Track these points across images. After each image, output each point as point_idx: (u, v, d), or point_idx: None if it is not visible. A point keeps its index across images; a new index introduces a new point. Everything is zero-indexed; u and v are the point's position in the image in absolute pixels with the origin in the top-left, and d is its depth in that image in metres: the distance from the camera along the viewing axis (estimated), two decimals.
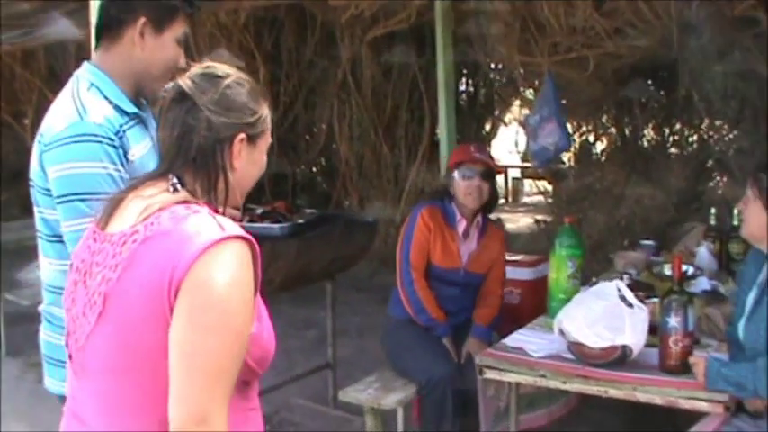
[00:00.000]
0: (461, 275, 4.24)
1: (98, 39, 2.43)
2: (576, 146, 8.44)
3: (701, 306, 3.64)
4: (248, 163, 1.84)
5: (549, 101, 6.27)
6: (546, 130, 6.22)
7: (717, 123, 7.55)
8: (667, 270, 4.30)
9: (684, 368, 3.03)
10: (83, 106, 2.28)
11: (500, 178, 13.95)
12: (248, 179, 1.88)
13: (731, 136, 7.41)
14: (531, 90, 8.45)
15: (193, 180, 1.79)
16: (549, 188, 9.34)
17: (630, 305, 3.16)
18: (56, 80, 11.10)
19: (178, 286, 1.62)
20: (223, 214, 1.79)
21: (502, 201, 13.75)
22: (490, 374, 3.35)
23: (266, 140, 1.89)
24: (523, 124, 6.88)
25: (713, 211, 4.73)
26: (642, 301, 3.31)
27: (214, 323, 1.61)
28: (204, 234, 1.65)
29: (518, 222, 10.71)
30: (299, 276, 4.58)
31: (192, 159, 1.78)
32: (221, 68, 1.84)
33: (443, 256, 4.18)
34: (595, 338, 3.12)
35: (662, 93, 7.75)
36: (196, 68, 1.83)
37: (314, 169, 10.42)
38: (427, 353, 4.02)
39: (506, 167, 12.93)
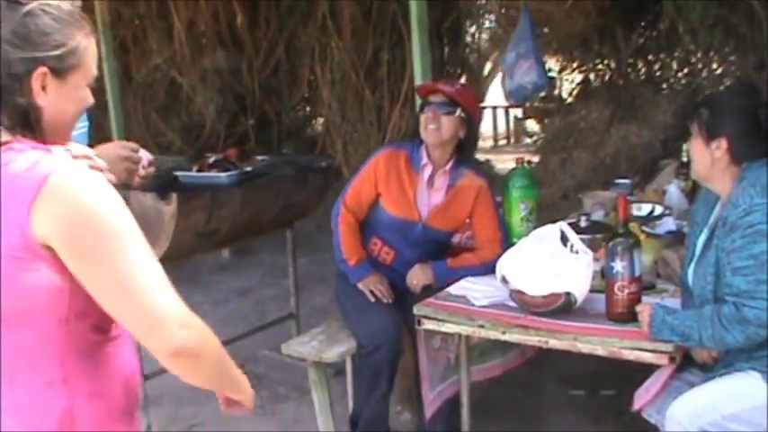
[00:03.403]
0: (419, 230, 3.75)
1: None
2: (559, 83, 8.15)
3: (660, 248, 3.43)
4: (59, 99, 1.62)
5: (526, 37, 5.97)
6: (523, 67, 5.93)
7: (709, 55, 7.24)
8: (635, 210, 4.08)
9: (631, 316, 2.82)
10: None
11: (501, 118, 13.74)
12: (65, 116, 1.67)
13: (721, 69, 7.11)
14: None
15: (8, 120, 1.59)
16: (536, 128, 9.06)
17: (574, 250, 2.94)
18: None
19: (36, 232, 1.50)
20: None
21: (503, 141, 13.57)
22: (428, 325, 3.16)
23: (83, 74, 1.66)
24: (501, 63, 6.57)
25: (686, 146, 4.46)
26: (600, 244, 3.10)
27: (108, 247, 1.53)
28: (39, 169, 1.52)
29: (507, 163, 10.40)
30: (249, 226, 4.40)
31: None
32: None
33: (397, 205, 3.73)
34: (536, 285, 2.91)
35: (643, 25, 7.43)
36: None
37: (299, 114, 10.18)
38: (368, 311, 3.66)
39: (507, 107, 12.68)
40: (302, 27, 9.17)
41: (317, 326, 4.01)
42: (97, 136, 10.06)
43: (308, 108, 10.23)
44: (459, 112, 3.65)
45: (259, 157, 4.64)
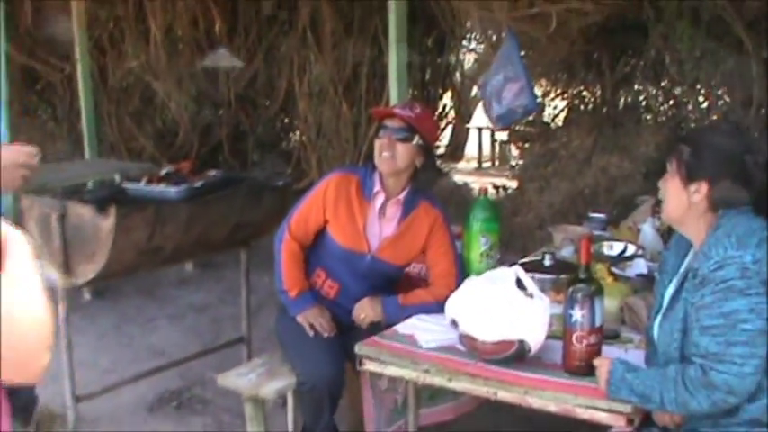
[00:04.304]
0: (367, 262, 3.47)
1: None
2: (541, 108, 7.93)
3: (627, 293, 3.18)
4: None
5: (514, 60, 5.74)
6: (512, 90, 5.70)
7: (695, 88, 7.04)
8: (606, 249, 3.85)
9: (589, 370, 2.56)
10: None
11: (486, 141, 13.52)
12: None
13: (707, 103, 6.91)
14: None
15: None
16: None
17: (529, 294, 2.69)
18: (14, 30, 10.61)
19: None
20: None
21: (487, 164, 13.33)
22: (370, 366, 2.90)
23: None
24: (480, 85, 6.32)
25: (660, 184, 4.22)
26: (564, 286, 2.85)
27: None
28: None
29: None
30: (197, 244, 4.14)
31: None
32: None
33: (345, 234, 3.46)
34: (487, 331, 2.65)
35: (629, 53, 7.22)
36: None
37: (275, 126, 9.95)
38: (307, 346, 3.40)
39: (493, 130, 12.44)
40: (282, 37, 8.96)
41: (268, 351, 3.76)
42: (71, 137, 9.86)
43: (285, 120, 9.98)
44: (416, 139, 3.38)
45: (212, 172, 4.37)
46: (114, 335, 6.01)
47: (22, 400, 2.97)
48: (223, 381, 3.50)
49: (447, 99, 10.22)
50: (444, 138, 11.59)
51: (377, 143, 3.41)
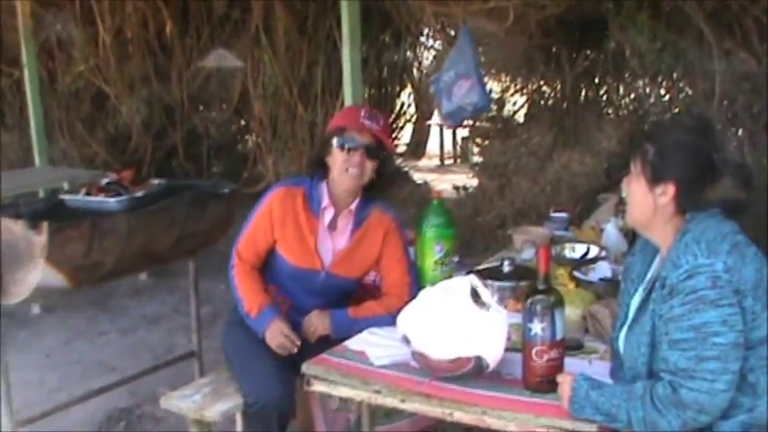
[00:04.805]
0: (321, 279, 3.26)
1: None
2: (499, 105, 7.78)
3: (591, 300, 3.01)
4: None
5: (466, 56, 5.59)
6: (463, 87, 5.55)
7: (657, 80, 6.92)
8: (568, 252, 3.68)
9: (551, 386, 2.38)
10: None
11: (448, 137, 13.37)
12: None
13: (668, 96, 6.80)
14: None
15: None
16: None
17: (486, 306, 2.51)
18: None
19: None
20: None
21: (450, 161, 13.20)
22: (319, 386, 2.71)
23: None
24: (433, 81, 6.15)
25: (623, 185, 4.04)
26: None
27: None
28: None
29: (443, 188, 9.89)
30: (140, 257, 3.92)
31: None
32: None
33: (296, 254, 3.24)
34: (440, 348, 2.47)
35: (589, 46, 7.09)
36: None
37: (230, 128, 9.74)
38: (255, 364, 3.16)
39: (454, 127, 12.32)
40: (235, 38, 8.75)
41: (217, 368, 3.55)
42: (22, 145, 9.58)
43: (242, 122, 9.78)
44: (381, 155, 3.21)
45: (155, 181, 4.15)
46: (63, 351, 5.78)
47: None
48: (166, 403, 3.29)
49: (405, 96, 10.06)
50: (405, 135, 11.42)
51: (341, 157, 3.16)
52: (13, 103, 9.95)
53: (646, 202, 2.34)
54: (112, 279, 4.17)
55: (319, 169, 3.25)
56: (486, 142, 7.93)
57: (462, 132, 12.76)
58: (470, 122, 8.47)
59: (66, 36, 9.34)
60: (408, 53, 8.71)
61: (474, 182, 7.73)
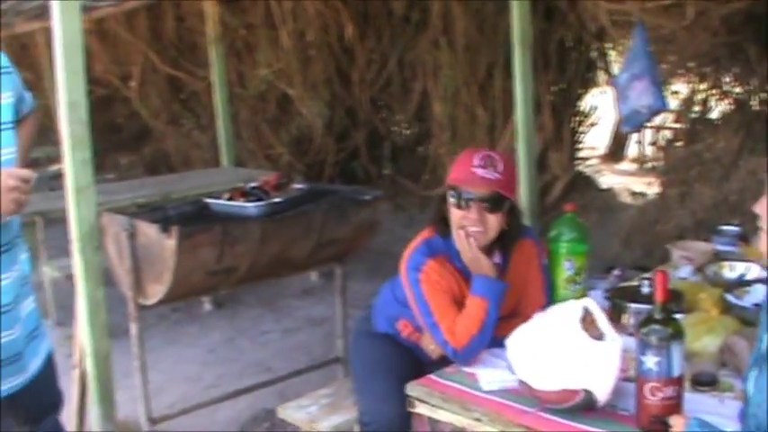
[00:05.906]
0: None
1: None
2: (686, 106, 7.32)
3: (736, 328, 2.71)
4: None
5: (640, 56, 5.29)
6: (637, 89, 5.25)
7: None
8: (727, 272, 3.37)
9: (664, 428, 2.14)
10: None
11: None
12: None
13: None
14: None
15: None
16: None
17: (599, 334, 2.29)
18: (158, 41, 10.84)
19: None
20: None
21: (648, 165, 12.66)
22: (420, 408, 2.57)
23: None
24: (613, 84, 5.82)
25: None
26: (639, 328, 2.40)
27: None
28: None
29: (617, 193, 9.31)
30: (276, 263, 3.89)
31: None
32: None
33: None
34: (544, 378, 2.27)
35: None
36: None
37: (412, 130, 9.69)
38: (377, 378, 3.02)
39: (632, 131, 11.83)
40: (415, 39, 8.68)
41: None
42: (214, 145, 9.88)
43: (422, 124, 9.71)
44: (506, 205, 2.87)
45: (297, 186, 4.13)
46: (225, 348, 5.90)
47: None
48: (282, 412, 3.25)
49: (594, 98, 9.67)
50: (590, 138, 11.03)
51: (457, 214, 2.82)
52: (207, 105, 10.30)
53: None
54: (248, 283, 4.18)
55: (442, 227, 2.95)
56: (673, 144, 7.51)
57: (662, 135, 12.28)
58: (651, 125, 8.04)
59: (252, 40, 9.57)
60: (593, 53, 8.31)
61: (655, 188, 7.34)
